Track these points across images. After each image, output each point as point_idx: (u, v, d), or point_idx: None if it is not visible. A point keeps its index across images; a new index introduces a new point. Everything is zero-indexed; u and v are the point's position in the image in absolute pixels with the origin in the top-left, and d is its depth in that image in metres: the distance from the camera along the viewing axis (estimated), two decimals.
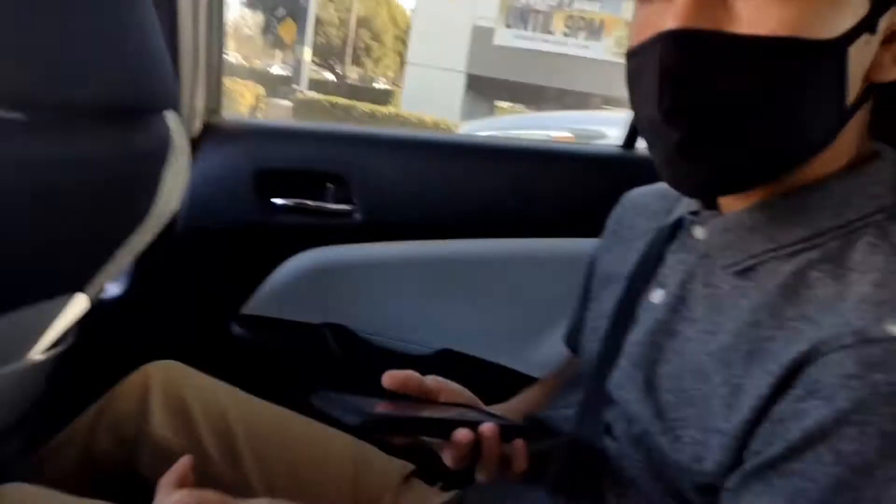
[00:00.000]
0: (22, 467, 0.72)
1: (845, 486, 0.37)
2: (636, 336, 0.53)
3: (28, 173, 0.57)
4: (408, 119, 11.12)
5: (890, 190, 0.45)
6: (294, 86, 13.50)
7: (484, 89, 14.19)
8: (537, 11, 12.63)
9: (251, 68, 16.80)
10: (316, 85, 15.81)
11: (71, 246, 0.68)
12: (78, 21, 0.55)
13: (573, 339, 0.72)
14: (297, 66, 14.21)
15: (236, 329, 1.05)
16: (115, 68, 0.58)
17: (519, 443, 0.52)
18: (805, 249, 0.45)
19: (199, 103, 1.05)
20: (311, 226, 1.05)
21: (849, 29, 0.40)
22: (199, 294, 1.07)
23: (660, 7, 0.43)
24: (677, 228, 0.55)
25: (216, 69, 1.09)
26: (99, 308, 0.88)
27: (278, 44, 16.94)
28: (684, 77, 0.41)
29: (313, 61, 16.55)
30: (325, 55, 18.22)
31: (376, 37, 18.43)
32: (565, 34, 12.61)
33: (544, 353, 0.99)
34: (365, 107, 11.82)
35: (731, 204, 0.49)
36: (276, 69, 17.79)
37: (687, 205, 0.54)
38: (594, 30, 12.41)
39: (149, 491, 0.71)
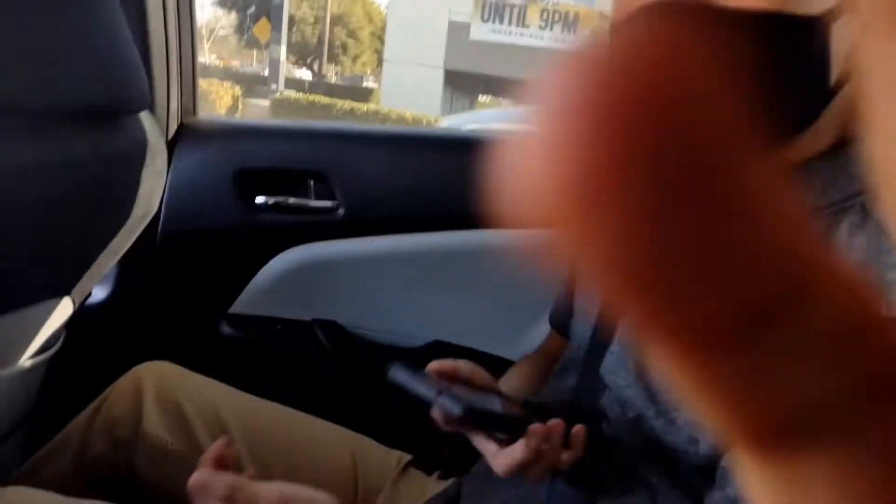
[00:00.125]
0: (17, 473, 0.72)
1: None
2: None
3: (4, 179, 0.56)
4: (388, 116, 11.09)
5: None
6: (273, 86, 13.39)
7: (463, 84, 14.19)
8: (512, 5, 12.64)
9: (227, 69, 16.62)
10: (293, 84, 15.69)
11: (54, 250, 0.67)
12: (45, 25, 0.54)
13: (558, 319, 0.72)
14: (273, 66, 14.10)
15: (225, 328, 1.05)
16: (86, 70, 0.57)
17: (579, 428, 0.50)
18: None
19: (174, 104, 1.04)
20: (294, 223, 1.05)
21: (833, 6, 0.41)
22: (185, 295, 1.06)
23: None
24: None
25: (190, 69, 1.08)
26: (85, 312, 0.87)
27: (253, 43, 16.76)
28: None
29: (289, 60, 16.40)
30: (301, 54, 18.08)
31: (352, 34, 18.32)
32: (541, 27, 12.65)
33: (532, 340, 1.00)
34: (344, 104, 11.75)
35: None
36: (253, 69, 17.61)
37: None
38: (569, 23, 12.46)
39: (145, 492, 0.71)
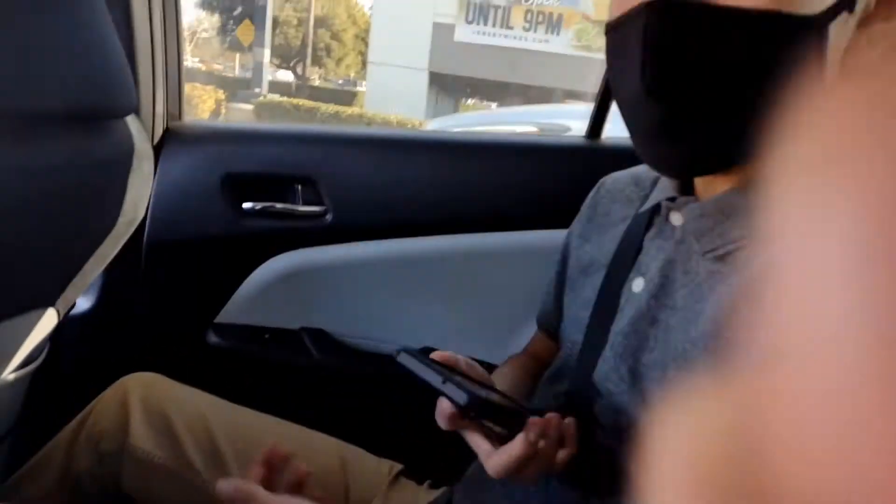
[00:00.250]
0: (1, 489, 0.70)
1: None
2: (619, 326, 0.53)
3: None
4: (373, 119, 11.06)
5: None
6: (257, 89, 13.30)
7: (448, 87, 14.20)
8: (497, 6, 12.68)
9: (209, 72, 16.49)
10: (277, 87, 15.60)
11: (38, 259, 0.66)
12: (31, 26, 0.53)
13: (545, 321, 0.72)
14: (256, 69, 14.00)
15: (212, 338, 1.03)
16: (73, 73, 0.56)
17: (570, 421, 0.49)
18: None
19: (160, 108, 1.03)
20: (282, 229, 1.04)
21: (829, 6, 0.41)
22: (171, 304, 1.05)
23: None
24: (654, 215, 0.55)
25: (176, 72, 1.07)
26: (69, 323, 0.85)
27: (236, 46, 16.65)
28: (669, 48, 0.41)
29: (273, 63, 16.32)
30: (285, 56, 18.00)
31: (336, 36, 18.27)
32: (525, 29, 12.70)
33: (519, 344, 1.00)
34: (328, 108, 11.70)
35: (708, 189, 0.50)
36: (236, 72, 17.50)
37: (663, 191, 0.54)
38: (553, 24, 12.52)
39: None
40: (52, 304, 0.70)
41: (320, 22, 18.07)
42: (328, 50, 18.24)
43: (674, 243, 0.52)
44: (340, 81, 18.91)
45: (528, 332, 0.80)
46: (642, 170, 0.63)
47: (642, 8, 0.42)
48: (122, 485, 0.69)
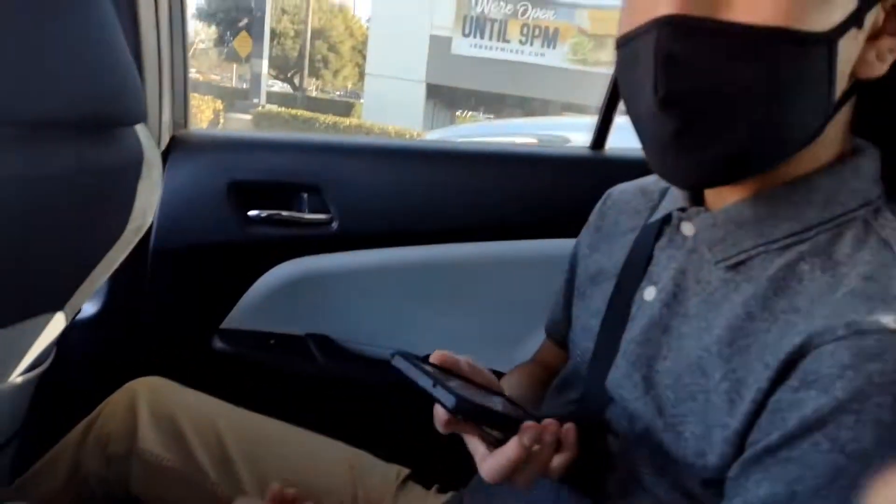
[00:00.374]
0: (8, 491, 0.70)
1: (841, 472, 0.38)
2: (632, 334, 0.53)
3: (1, 192, 0.55)
4: (370, 130, 11.09)
5: (873, 185, 0.47)
6: (255, 100, 13.33)
7: (445, 98, 14.27)
8: (493, 20, 12.78)
9: (207, 82, 16.54)
10: (275, 97, 15.65)
11: (47, 264, 0.66)
12: (43, 35, 0.54)
13: (554, 329, 0.72)
14: (254, 80, 14.05)
15: (217, 343, 1.04)
16: (84, 82, 0.57)
17: (569, 426, 0.49)
18: (795, 243, 0.46)
19: (166, 116, 1.04)
20: (287, 237, 1.05)
21: (838, 23, 0.41)
22: (177, 310, 1.05)
23: None
24: (664, 225, 0.56)
25: (182, 81, 1.08)
26: (76, 327, 0.86)
27: (234, 57, 16.71)
28: (681, 63, 0.42)
29: (270, 74, 16.38)
30: (283, 68, 18.06)
31: (333, 48, 18.35)
32: (521, 42, 12.80)
33: (527, 354, 1.01)
34: (327, 118, 11.74)
35: (718, 200, 0.50)
36: (234, 83, 17.55)
37: (673, 201, 0.55)
38: (549, 38, 12.62)
39: None
40: (61, 309, 0.70)
41: (317, 34, 18.16)
42: (325, 62, 18.31)
43: (685, 253, 0.52)
44: (339, 93, 18.98)
45: (532, 341, 0.80)
46: (649, 181, 0.64)
47: (653, 23, 0.42)
48: (130, 487, 0.69)
